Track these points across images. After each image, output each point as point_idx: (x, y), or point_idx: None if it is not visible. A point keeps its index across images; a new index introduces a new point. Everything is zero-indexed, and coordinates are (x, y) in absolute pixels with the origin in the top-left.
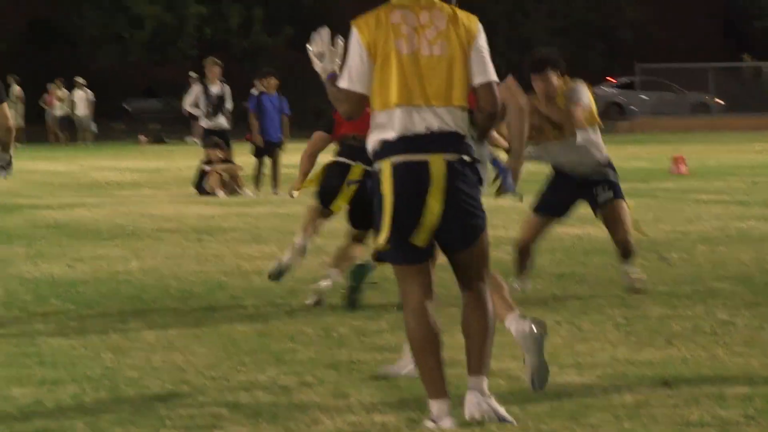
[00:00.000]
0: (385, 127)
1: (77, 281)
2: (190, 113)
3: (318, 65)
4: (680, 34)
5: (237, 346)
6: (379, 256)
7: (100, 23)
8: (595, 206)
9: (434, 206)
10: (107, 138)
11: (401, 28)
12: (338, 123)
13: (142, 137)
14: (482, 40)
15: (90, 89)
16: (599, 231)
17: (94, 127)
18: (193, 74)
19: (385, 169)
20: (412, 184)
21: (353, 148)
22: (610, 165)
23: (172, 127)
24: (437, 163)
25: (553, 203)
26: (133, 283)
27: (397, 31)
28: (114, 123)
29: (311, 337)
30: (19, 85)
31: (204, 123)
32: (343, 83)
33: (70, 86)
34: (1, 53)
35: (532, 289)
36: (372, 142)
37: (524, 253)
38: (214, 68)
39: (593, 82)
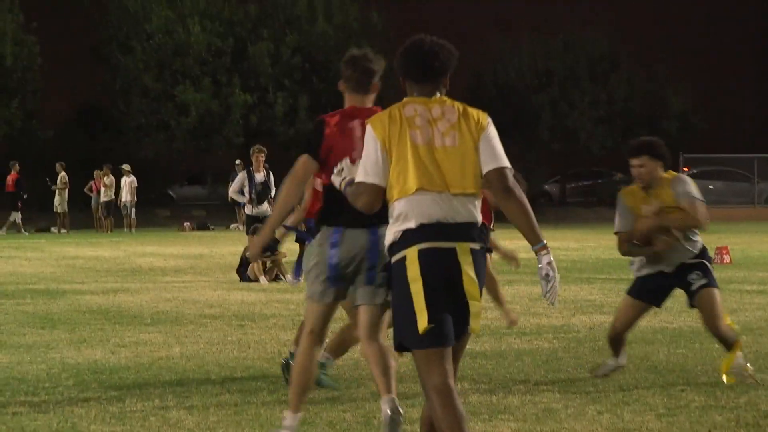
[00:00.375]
0: (407, 215)
1: (119, 367)
2: (234, 200)
3: (337, 180)
4: (724, 125)
5: None
6: (403, 346)
7: (147, 111)
8: (689, 294)
9: (474, 292)
10: (151, 224)
11: (415, 120)
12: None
13: (186, 224)
14: (492, 132)
15: (136, 176)
16: (641, 320)
17: (133, 213)
18: (239, 162)
19: (410, 255)
20: (440, 269)
21: None
22: (704, 254)
23: (217, 213)
24: (464, 251)
25: (649, 288)
26: (174, 369)
27: (411, 123)
28: (159, 210)
29: (351, 423)
30: (64, 171)
31: (248, 210)
32: (359, 177)
33: (117, 173)
34: (49, 140)
35: (573, 378)
36: (392, 233)
37: (617, 339)
38: (259, 156)
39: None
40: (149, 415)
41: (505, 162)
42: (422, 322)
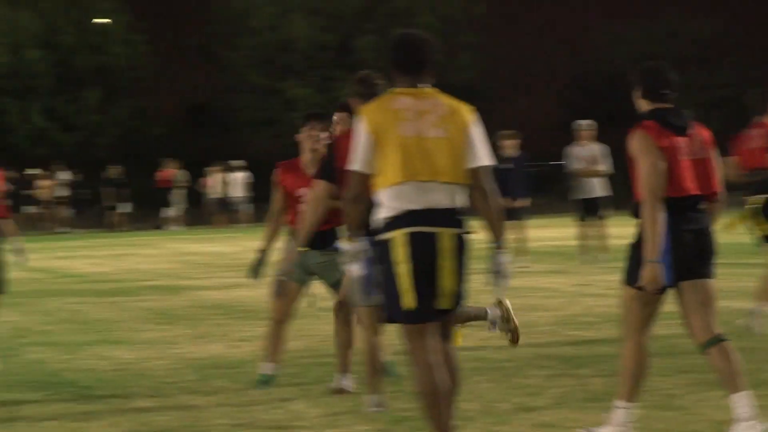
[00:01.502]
0: (393, 203)
1: (240, 361)
2: None
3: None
4: None
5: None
6: (392, 319)
7: (254, 107)
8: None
9: (449, 275)
10: (261, 220)
11: (405, 113)
12: None
13: None
14: (477, 127)
15: (249, 172)
16: None
17: (249, 208)
18: None
19: (398, 238)
20: (424, 251)
21: None
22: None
23: None
24: (446, 236)
25: None
26: (295, 363)
27: (401, 115)
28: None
29: (473, 413)
30: (180, 168)
31: None
32: (353, 166)
33: (227, 169)
34: (159, 137)
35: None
36: (379, 217)
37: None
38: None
39: None
40: (270, 408)
41: (486, 160)
42: (407, 302)
